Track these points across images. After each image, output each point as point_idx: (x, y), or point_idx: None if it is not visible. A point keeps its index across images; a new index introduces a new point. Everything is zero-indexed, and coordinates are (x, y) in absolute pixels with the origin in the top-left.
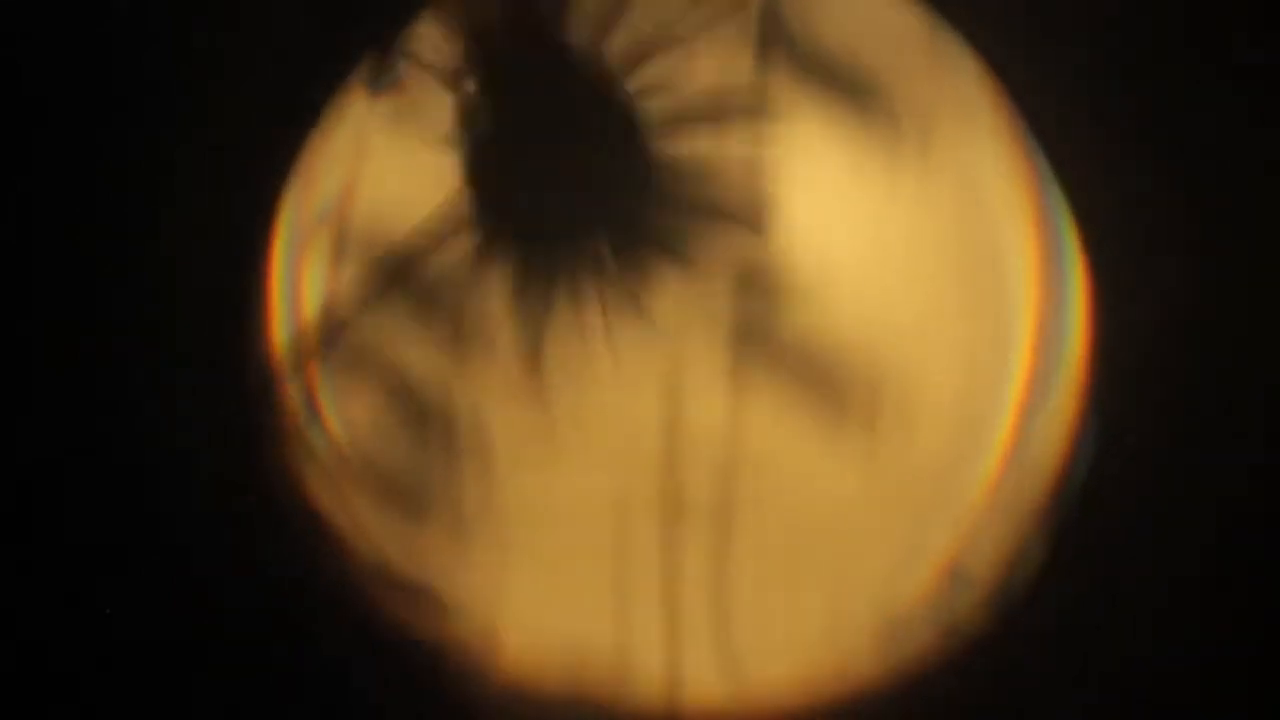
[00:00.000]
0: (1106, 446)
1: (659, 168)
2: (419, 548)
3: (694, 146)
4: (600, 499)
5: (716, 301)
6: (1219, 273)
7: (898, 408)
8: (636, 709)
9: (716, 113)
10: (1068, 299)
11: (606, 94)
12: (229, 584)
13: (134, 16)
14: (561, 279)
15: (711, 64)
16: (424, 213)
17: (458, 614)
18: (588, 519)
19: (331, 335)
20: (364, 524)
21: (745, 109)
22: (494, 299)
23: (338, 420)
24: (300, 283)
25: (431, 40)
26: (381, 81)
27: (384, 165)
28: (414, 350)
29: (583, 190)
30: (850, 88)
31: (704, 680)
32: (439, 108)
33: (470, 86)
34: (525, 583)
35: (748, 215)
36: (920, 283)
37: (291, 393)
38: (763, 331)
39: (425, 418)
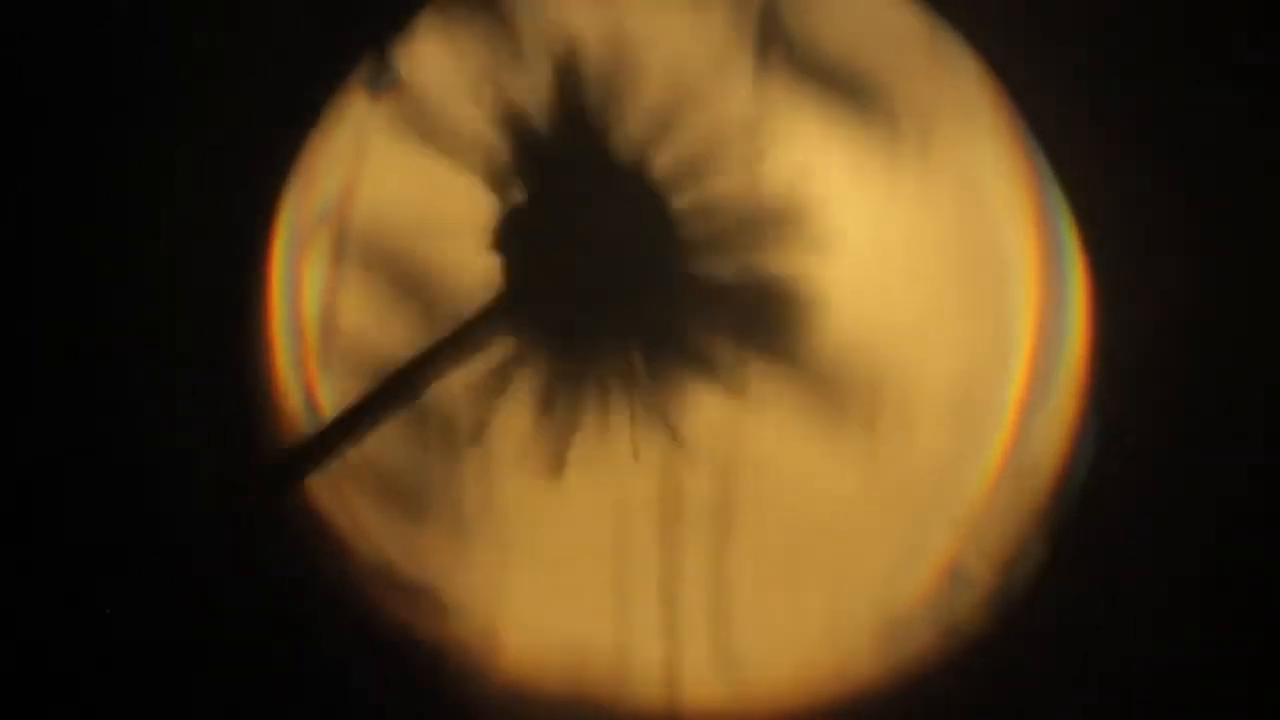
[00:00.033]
0: (1106, 446)
1: (699, 285)
2: (419, 548)
3: (734, 265)
4: (601, 499)
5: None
6: (1219, 273)
7: (898, 408)
8: (636, 709)
9: (757, 234)
10: (1068, 299)
11: (654, 207)
12: (229, 584)
13: (134, 16)
14: (591, 386)
15: (711, 65)
16: (423, 213)
17: (458, 614)
18: (588, 519)
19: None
20: (364, 524)
21: (783, 230)
22: (523, 403)
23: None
24: (300, 283)
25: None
26: (381, 82)
27: (384, 165)
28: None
29: (619, 301)
30: (850, 88)
31: (703, 680)
32: (449, 118)
33: (518, 191)
34: (525, 583)
35: (783, 337)
36: (921, 283)
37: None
38: (764, 333)
39: (425, 418)
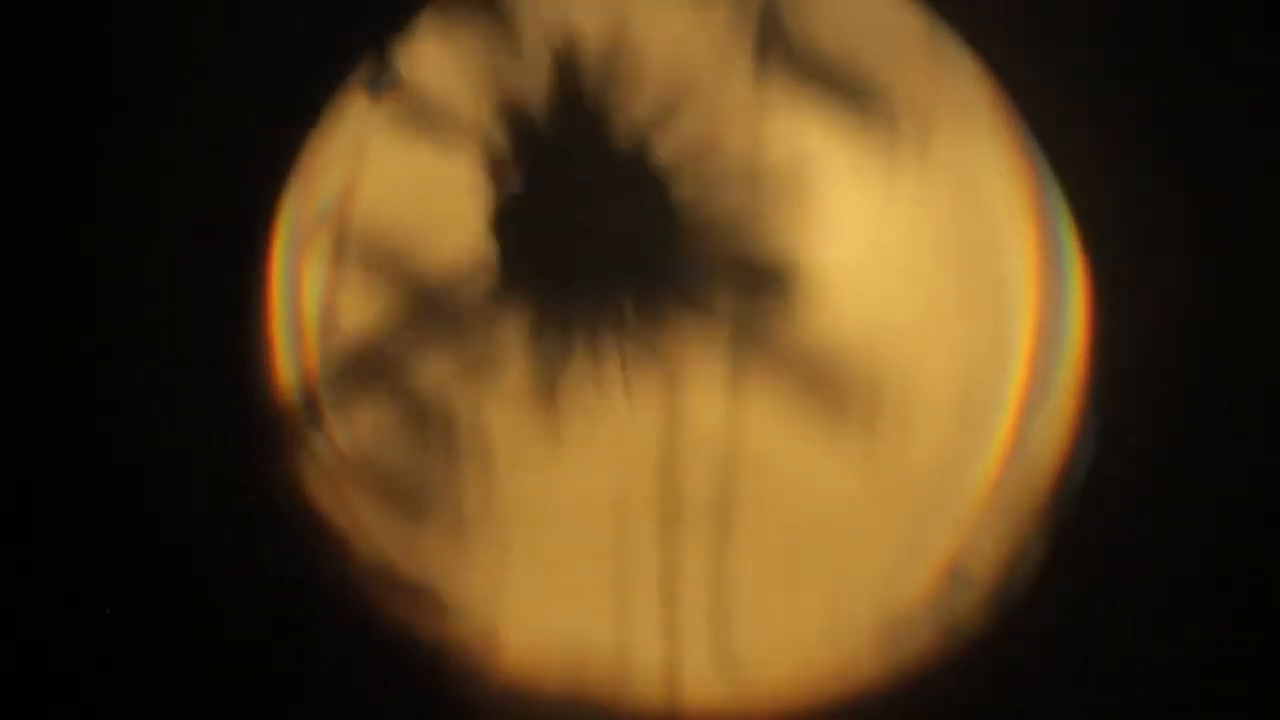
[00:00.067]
0: (1106, 446)
1: (687, 223)
2: (419, 548)
3: (722, 204)
4: (600, 499)
5: (717, 306)
6: (1219, 273)
7: (898, 408)
8: (636, 709)
9: (744, 172)
10: (1068, 299)
11: (637, 149)
12: (229, 584)
13: (134, 16)
14: (580, 326)
15: (710, 65)
16: (423, 213)
17: (458, 614)
18: (588, 519)
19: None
20: (364, 524)
21: (772, 168)
22: (511, 339)
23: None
24: (300, 283)
25: (433, 50)
26: (381, 82)
27: (384, 165)
28: (425, 368)
29: (607, 240)
30: (850, 88)
31: (703, 680)
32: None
33: (501, 134)
34: (525, 583)
35: (772, 274)
36: (920, 283)
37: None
38: (764, 332)
39: (425, 418)
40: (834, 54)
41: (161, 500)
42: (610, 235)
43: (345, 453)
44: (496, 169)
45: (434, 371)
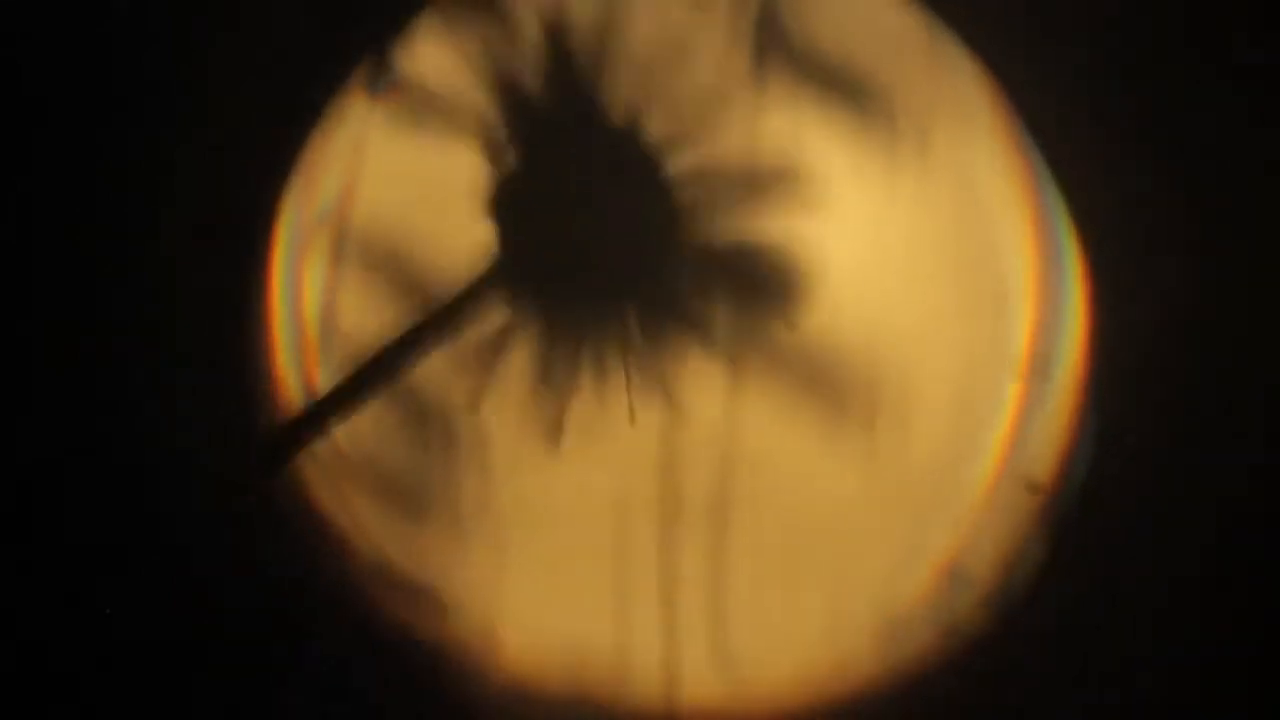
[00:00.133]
0: (1106, 446)
1: (687, 224)
2: (419, 548)
3: (730, 227)
4: (600, 499)
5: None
6: (1219, 273)
7: (897, 408)
8: (636, 709)
9: (752, 193)
10: (1067, 299)
11: (647, 171)
12: (229, 584)
13: (134, 16)
14: (580, 326)
15: (710, 66)
16: (423, 213)
17: (457, 614)
18: (587, 519)
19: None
20: (364, 524)
21: (780, 188)
22: (511, 339)
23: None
24: (300, 283)
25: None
26: (381, 82)
27: (384, 165)
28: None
29: (608, 241)
30: (849, 89)
31: (703, 680)
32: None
33: (501, 133)
34: (525, 583)
35: (772, 274)
36: (920, 283)
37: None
38: (763, 332)
39: (425, 418)
40: (834, 54)
41: (161, 500)
42: (610, 236)
43: (345, 453)
44: (496, 168)
45: (434, 371)
